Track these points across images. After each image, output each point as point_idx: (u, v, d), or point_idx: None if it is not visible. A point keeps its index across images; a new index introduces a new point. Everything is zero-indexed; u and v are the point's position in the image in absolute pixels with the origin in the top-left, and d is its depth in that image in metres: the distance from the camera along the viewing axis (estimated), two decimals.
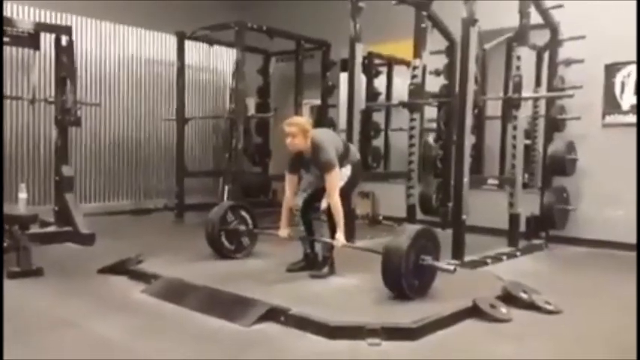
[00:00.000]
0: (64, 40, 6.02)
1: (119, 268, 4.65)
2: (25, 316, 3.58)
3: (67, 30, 6.11)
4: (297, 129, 4.27)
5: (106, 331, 3.37)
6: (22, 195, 5.23)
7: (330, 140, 4.39)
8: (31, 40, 6.00)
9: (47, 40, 6.27)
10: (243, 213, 5.07)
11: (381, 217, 7.48)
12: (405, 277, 3.66)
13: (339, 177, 4.27)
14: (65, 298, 4.03)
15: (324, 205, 4.28)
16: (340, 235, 4.21)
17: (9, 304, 3.58)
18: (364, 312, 3.55)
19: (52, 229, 5.94)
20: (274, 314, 3.51)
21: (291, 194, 4.50)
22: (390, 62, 8.24)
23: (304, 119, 4.50)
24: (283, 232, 4.55)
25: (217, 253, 4.95)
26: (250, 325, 3.45)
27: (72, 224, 5.85)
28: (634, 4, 5.91)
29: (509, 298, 3.83)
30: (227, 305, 3.73)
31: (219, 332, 3.40)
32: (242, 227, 4.99)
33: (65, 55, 6.02)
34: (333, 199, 4.19)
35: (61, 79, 6.05)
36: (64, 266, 4.89)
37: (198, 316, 3.67)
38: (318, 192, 4.39)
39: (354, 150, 4.66)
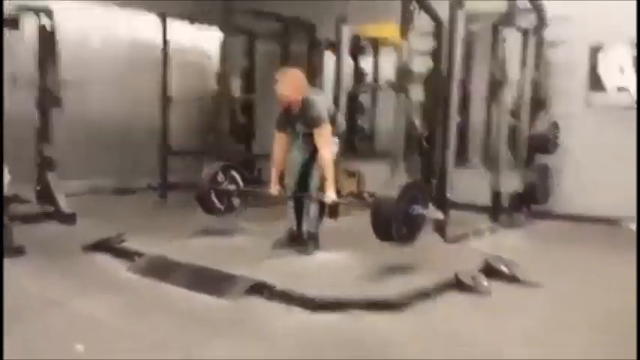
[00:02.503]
0: (45, 21, 5.92)
1: (103, 246, 4.62)
2: (9, 296, 3.53)
3: (49, 12, 6.01)
4: (291, 81, 4.26)
5: (92, 310, 3.35)
6: (5, 177, 5.15)
7: (323, 101, 4.39)
8: (12, 22, 5.90)
9: (29, 21, 6.15)
10: (234, 173, 5.05)
11: (366, 195, 7.49)
12: (395, 224, 3.71)
13: (329, 133, 4.25)
14: (49, 277, 4.00)
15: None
16: (330, 191, 4.22)
17: None
18: (348, 286, 3.58)
19: (33, 208, 5.87)
20: (259, 289, 3.52)
21: (280, 151, 4.49)
22: (377, 44, 8.20)
23: (300, 73, 4.44)
24: (274, 189, 4.54)
25: (207, 212, 4.94)
26: (236, 300, 3.46)
27: (54, 204, 5.80)
28: None
29: (490, 271, 3.87)
30: (212, 281, 3.73)
31: (205, 308, 3.39)
32: (232, 187, 4.96)
33: (47, 36, 5.93)
34: (324, 155, 4.18)
35: (42, 60, 5.95)
36: (47, 245, 4.82)
37: (183, 292, 3.66)
38: (307, 165, 4.39)
39: (339, 121, 4.66)
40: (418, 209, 3.85)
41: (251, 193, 5.18)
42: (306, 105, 4.24)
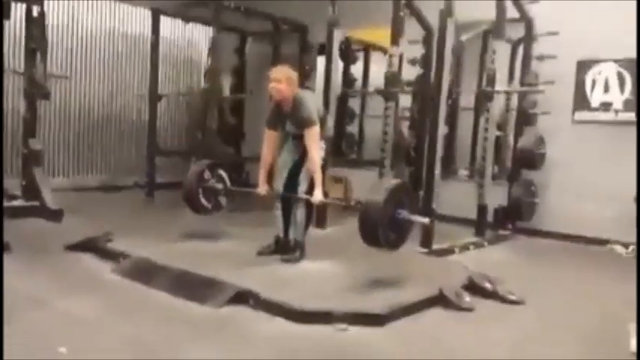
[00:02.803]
0: (35, 10, 5.85)
1: (88, 246, 4.60)
2: None
3: (39, 1, 5.92)
4: (283, 75, 4.25)
5: (76, 310, 3.35)
6: None
7: (313, 101, 4.40)
8: (1, 9, 5.80)
9: (18, 9, 6.08)
10: (221, 172, 5.05)
11: (353, 203, 7.53)
12: (382, 230, 3.71)
13: (319, 134, 4.27)
14: (33, 276, 3.98)
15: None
16: (318, 192, 4.23)
17: None
18: (333, 297, 3.60)
19: (18, 203, 5.82)
20: (244, 297, 3.54)
21: (269, 151, 4.49)
22: (368, 48, 8.24)
23: (292, 70, 4.42)
24: (262, 189, 4.51)
25: (194, 210, 4.94)
26: (219, 307, 3.48)
27: (40, 199, 5.75)
28: (608, 3, 6.02)
29: (474, 288, 3.93)
30: (196, 287, 3.74)
31: (188, 314, 3.41)
32: (219, 185, 4.97)
33: (36, 26, 5.86)
34: (313, 156, 4.19)
35: (30, 50, 5.88)
36: (32, 242, 4.79)
37: (167, 297, 3.67)
38: (297, 168, 4.41)
39: (328, 125, 4.67)
40: (405, 213, 3.84)
41: (238, 192, 5.17)
42: (296, 104, 4.25)
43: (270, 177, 4.54)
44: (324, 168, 4.56)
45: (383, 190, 3.83)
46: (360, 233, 3.80)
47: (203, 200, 4.92)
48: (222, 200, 5.05)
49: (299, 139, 4.38)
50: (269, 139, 4.50)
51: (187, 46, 9.18)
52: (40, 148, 6.03)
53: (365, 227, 3.76)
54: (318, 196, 4.23)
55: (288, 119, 4.36)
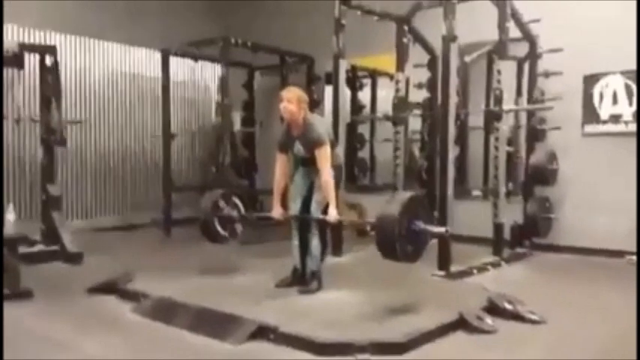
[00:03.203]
0: (48, 60, 6.02)
1: (109, 287, 4.66)
2: (16, 339, 3.58)
3: (52, 50, 6.11)
4: (294, 96, 4.31)
5: (98, 353, 3.39)
6: (10, 216, 5.22)
7: (324, 125, 4.46)
8: (16, 60, 5.99)
9: (32, 59, 6.27)
10: (235, 199, 5.10)
11: (368, 229, 7.54)
12: (399, 243, 3.71)
13: (329, 154, 4.30)
14: (56, 320, 4.03)
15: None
16: (332, 210, 4.24)
17: None
18: (352, 327, 3.60)
19: (39, 248, 5.91)
20: (264, 332, 3.55)
21: (282, 173, 4.53)
22: (374, 74, 8.33)
23: (302, 91, 4.49)
24: (276, 212, 4.55)
25: (211, 240, 4.98)
26: (240, 343, 3.49)
27: (59, 243, 5.84)
28: (610, 16, 6.06)
29: (494, 310, 3.90)
30: (216, 323, 3.76)
31: (210, 351, 3.42)
32: (234, 213, 5.02)
33: (50, 75, 6.02)
34: (324, 175, 4.22)
35: (45, 98, 6.04)
36: (53, 286, 4.86)
37: (187, 335, 3.70)
38: (309, 195, 4.44)
39: (338, 152, 4.71)
40: (420, 225, 3.82)
41: (253, 221, 5.20)
42: (306, 125, 4.31)
43: (284, 200, 4.58)
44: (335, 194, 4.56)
45: (397, 202, 3.84)
46: (377, 246, 3.81)
47: (219, 229, 4.96)
48: (238, 227, 5.09)
49: (309, 166, 4.42)
50: (281, 162, 4.55)
51: (197, 83, 9.36)
52: (58, 193, 6.15)
53: (382, 240, 3.77)
54: (332, 214, 4.25)
55: (298, 140, 4.39)
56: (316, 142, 4.26)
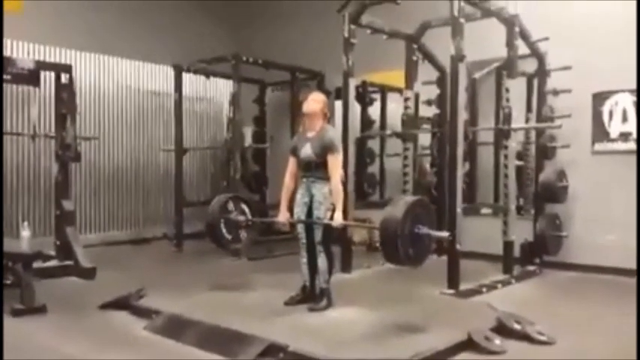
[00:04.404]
0: (63, 77, 6.14)
1: (121, 304, 4.72)
2: (29, 355, 3.65)
3: (67, 68, 6.23)
4: (320, 98, 4.58)
5: None
6: (25, 232, 5.32)
7: (339, 136, 4.66)
8: (31, 78, 6.11)
9: (47, 76, 6.40)
10: (243, 206, 5.15)
11: (378, 244, 7.56)
12: (402, 245, 3.70)
13: (341, 162, 4.45)
14: (69, 335, 4.11)
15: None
16: (338, 214, 4.31)
17: (13, 342, 3.67)
18: (362, 346, 3.63)
19: (53, 263, 5.98)
20: (273, 350, 3.58)
21: (291, 176, 4.61)
22: (384, 90, 8.39)
23: (325, 97, 4.72)
24: (282, 216, 4.62)
25: (216, 242, 5.02)
26: None
27: (73, 258, 5.92)
28: (619, 33, 6.09)
29: (503, 330, 3.92)
30: (227, 341, 3.80)
31: None
32: (241, 218, 5.07)
33: (65, 92, 6.13)
34: (334, 180, 4.32)
35: (61, 115, 6.15)
36: (67, 302, 4.95)
37: (198, 352, 3.75)
38: (310, 210, 4.48)
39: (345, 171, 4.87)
40: (424, 229, 3.81)
41: (260, 222, 5.22)
42: (323, 130, 4.45)
43: (292, 204, 4.62)
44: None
45: (402, 204, 3.85)
46: (380, 247, 3.84)
47: (224, 232, 4.99)
48: (242, 234, 5.13)
49: (311, 172, 4.44)
50: (291, 164, 4.64)
51: (209, 99, 9.48)
52: (72, 209, 6.24)
53: (384, 240, 3.78)
54: (338, 218, 4.32)
55: (310, 142, 4.44)
56: (331, 148, 4.36)
